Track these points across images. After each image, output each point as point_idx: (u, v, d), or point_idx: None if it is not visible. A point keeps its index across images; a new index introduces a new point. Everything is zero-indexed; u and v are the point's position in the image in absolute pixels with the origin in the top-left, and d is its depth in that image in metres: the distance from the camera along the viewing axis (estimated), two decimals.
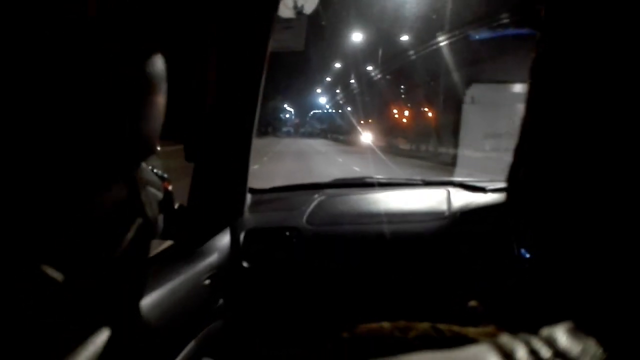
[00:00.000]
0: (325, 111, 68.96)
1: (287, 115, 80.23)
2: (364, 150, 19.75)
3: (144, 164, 0.68)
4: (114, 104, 0.47)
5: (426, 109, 23.55)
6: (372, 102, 33.83)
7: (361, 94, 36.46)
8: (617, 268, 0.29)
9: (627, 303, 0.28)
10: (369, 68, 31.88)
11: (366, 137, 27.95)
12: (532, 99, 0.34)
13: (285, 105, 75.98)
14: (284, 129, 66.04)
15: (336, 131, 47.27)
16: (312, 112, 77.77)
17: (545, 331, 0.29)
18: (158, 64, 0.52)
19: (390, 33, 24.78)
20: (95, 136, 0.46)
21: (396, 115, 28.88)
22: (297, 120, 79.97)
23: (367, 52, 30.08)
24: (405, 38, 23.49)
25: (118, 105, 0.48)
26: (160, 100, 0.53)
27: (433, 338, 0.33)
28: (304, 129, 69.75)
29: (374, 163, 14.58)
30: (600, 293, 0.30)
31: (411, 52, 21.57)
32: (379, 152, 19.50)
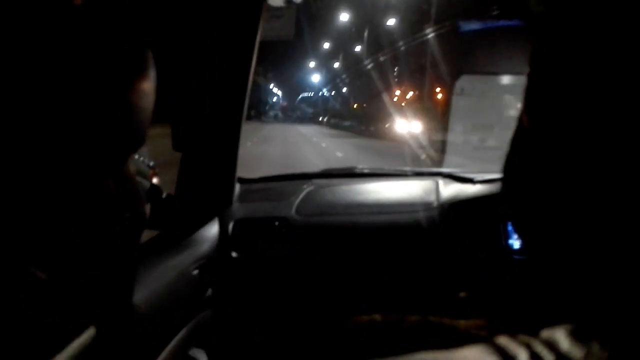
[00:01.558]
0: (317, 95, 63.04)
1: (275, 99, 74.62)
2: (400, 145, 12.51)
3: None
4: (102, 95, 0.46)
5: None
6: (365, 88, 32.48)
7: (355, 79, 34.49)
8: (613, 263, 0.29)
9: (623, 301, 0.28)
10: (359, 53, 31.50)
11: (406, 125, 17.08)
12: (530, 90, 0.33)
13: (272, 87, 69.94)
14: (271, 113, 59.71)
15: (336, 115, 39.97)
16: (301, 95, 73.20)
17: (545, 333, 0.28)
18: (146, 53, 0.51)
19: (381, 21, 24.69)
20: (84, 128, 0.46)
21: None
22: (285, 104, 74.78)
23: (357, 37, 29.87)
24: (391, 23, 23.29)
25: (107, 97, 0.47)
26: (149, 89, 0.52)
27: (424, 330, 0.33)
28: (293, 113, 64.30)
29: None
30: (596, 288, 0.30)
31: (401, 43, 21.41)
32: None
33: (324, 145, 16.49)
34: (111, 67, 0.47)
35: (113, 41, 0.48)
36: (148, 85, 0.51)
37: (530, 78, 0.34)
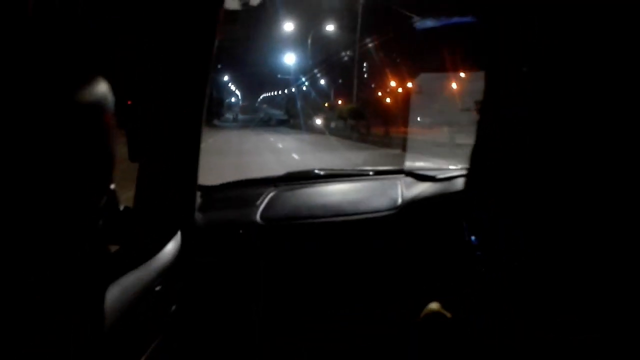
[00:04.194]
0: (283, 93, 51.66)
1: (233, 99, 63.37)
2: None
3: None
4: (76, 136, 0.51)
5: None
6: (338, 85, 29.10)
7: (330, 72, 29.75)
8: (575, 255, 0.29)
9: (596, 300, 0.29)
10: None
11: None
12: (490, 87, 0.33)
13: (229, 84, 58.61)
14: (228, 114, 47.67)
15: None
16: (262, 96, 63.38)
17: None
18: (102, 86, 0.56)
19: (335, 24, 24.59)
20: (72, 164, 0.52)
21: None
22: (245, 104, 64.09)
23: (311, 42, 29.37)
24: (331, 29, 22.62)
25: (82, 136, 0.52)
26: (112, 121, 0.58)
27: None
28: (253, 115, 50.65)
29: None
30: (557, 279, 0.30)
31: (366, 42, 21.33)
32: None
33: None
34: (81, 112, 0.52)
35: (72, 88, 0.52)
36: (110, 115, 0.57)
37: (488, 76, 0.34)
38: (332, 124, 24.07)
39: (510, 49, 0.33)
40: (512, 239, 0.35)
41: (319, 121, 26.20)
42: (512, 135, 0.33)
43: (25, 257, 0.50)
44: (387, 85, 21.33)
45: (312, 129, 24.26)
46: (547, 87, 0.30)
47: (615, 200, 0.27)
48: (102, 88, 0.55)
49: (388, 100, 20.76)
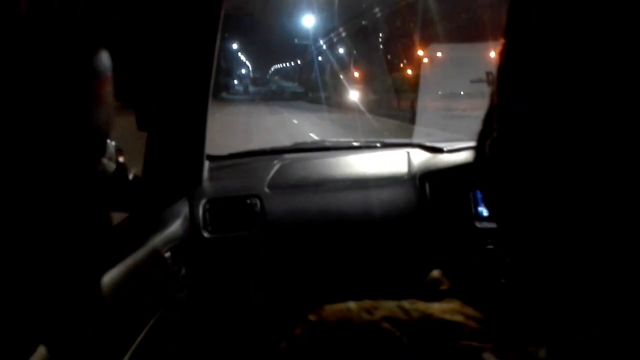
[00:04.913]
0: (296, 63, 48.86)
1: (244, 71, 61.16)
2: None
3: None
4: (63, 101, 0.50)
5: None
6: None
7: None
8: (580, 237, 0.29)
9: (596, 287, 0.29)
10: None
11: None
12: (506, 60, 0.33)
13: (239, 54, 56.10)
14: (237, 87, 45.05)
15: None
16: (273, 67, 61.14)
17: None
18: (102, 56, 0.55)
19: None
20: (50, 133, 0.50)
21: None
22: (256, 75, 62.04)
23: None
24: None
25: (68, 103, 0.51)
26: (109, 89, 0.56)
27: (399, 319, 0.33)
28: (265, 87, 47.52)
29: None
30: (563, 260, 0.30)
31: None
32: None
33: None
34: (71, 74, 0.51)
35: (68, 52, 0.51)
36: (107, 86, 0.56)
37: (505, 49, 0.33)
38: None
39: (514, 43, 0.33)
40: (510, 234, 0.35)
41: (353, 94, 19.20)
42: (511, 130, 0.32)
43: (23, 228, 0.50)
44: (413, 53, 17.98)
45: (339, 105, 19.05)
46: (547, 82, 0.29)
47: (616, 199, 0.27)
48: (100, 56, 0.55)
49: (410, 71, 18.12)
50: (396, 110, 14.67)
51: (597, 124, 0.26)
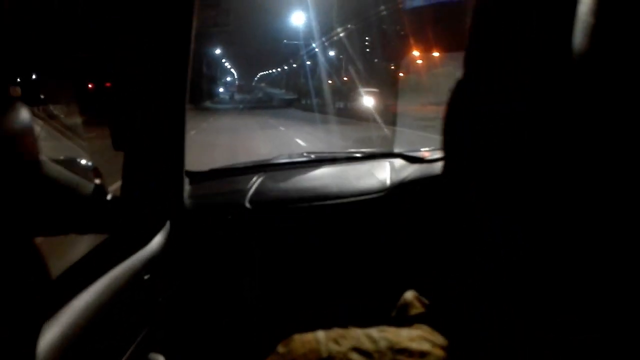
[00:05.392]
0: (282, 69, 45.71)
1: (229, 79, 59.67)
2: None
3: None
4: None
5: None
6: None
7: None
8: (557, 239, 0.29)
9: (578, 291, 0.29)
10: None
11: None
12: (469, 61, 0.33)
13: (223, 60, 54.06)
14: (220, 92, 41.90)
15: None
16: (259, 74, 60.13)
17: None
18: (22, 113, 0.55)
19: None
20: None
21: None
22: (241, 82, 60.41)
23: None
24: None
25: None
26: (32, 139, 0.57)
27: (366, 350, 0.33)
28: (251, 95, 44.37)
29: None
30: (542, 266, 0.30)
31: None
32: None
33: None
34: None
35: None
36: (30, 137, 0.57)
37: (468, 51, 0.33)
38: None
39: (510, 41, 0.33)
40: (510, 234, 0.35)
41: (369, 100, 15.93)
42: (509, 130, 0.32)
43: None
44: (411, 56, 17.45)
45: (338, 113, 16.85)
46: (547, 82, 0.29)
47: (616, 199, 0.27)
48: (21, 115, 0.55)
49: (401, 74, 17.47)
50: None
51: (579, 122, 0.27)
